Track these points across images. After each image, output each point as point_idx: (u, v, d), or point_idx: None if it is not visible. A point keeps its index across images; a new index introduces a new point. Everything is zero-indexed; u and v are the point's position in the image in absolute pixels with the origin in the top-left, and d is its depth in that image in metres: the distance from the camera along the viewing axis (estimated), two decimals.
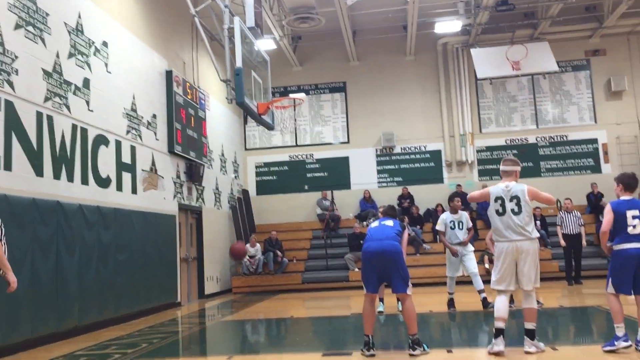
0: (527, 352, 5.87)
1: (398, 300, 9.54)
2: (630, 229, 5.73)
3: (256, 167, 19.57)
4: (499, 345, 5.87)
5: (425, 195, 18.34)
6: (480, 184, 18.18)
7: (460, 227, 9.61)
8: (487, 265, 15.53)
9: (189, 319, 11.11)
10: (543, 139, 18.38)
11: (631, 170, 18.27)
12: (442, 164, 18.83)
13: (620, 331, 5.67)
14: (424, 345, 6.18)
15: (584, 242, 13.71)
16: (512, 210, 5.99)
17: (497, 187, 6.18)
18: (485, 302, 9.42)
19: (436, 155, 18.89)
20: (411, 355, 6.05)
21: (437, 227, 9.81)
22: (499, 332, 5.89)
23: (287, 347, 7.77)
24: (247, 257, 16.48)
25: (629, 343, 5.62)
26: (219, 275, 16.16)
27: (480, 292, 9.50)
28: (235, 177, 18.55)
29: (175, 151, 13.30)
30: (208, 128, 15.74)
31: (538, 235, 6.11)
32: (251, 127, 19.56)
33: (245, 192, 18.94)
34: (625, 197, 5.96)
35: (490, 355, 5.88)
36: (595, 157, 18.03)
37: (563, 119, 18.39)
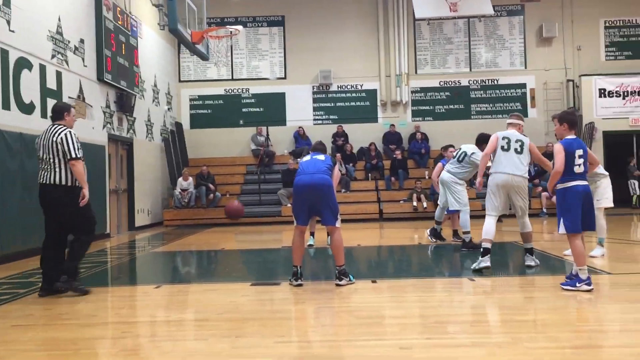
0: (528, 266, 7.07)
1: (328, 234, 9.79)
2: (576, 168, 5.79)
3: (190, 99, 19.16)
4: (486, 262, 6.75)
5: (359, 134, 18.57)
6: (412, 124, 18.57)
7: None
8: (415, 203, 16.08)
9: (118, 250, 11.05)
10: (475, 82, 18.81)
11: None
12: (377, 103, 19.02)
13: (583, 274, 5.69)
14: (350, 276, 6.43)
15: None
16: (516, 150, 6.83)
17: (504, 132, 7.04)
18: (437, 232, 9.92)
19: (372, 94, 19.03)
20: (337, 285, 6.29)
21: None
22: (486, 252, 6.77)
23: (216, 277, 7.90)
24: (179, 190, 16.37)
25: (591, 287, 5.61)
26: (150, 208, 16.01)
27: (468, 232, 9.32)
28: (169, 109, 18.13)
29: (105, 79, 12.83)
30: (140, 57, 15.19)
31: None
32: (185, 57, 19.01)
33: (178, 125, 18.58)
34: (570, 136, 5.93)
35: (475, 272, 6.75)
36: (522, 102, 18.66)
37: (495, 63, 18.82)
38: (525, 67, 18.73)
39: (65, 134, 6.02)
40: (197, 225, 15.77)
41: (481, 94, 18.77)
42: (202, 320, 5.12)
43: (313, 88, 19.10)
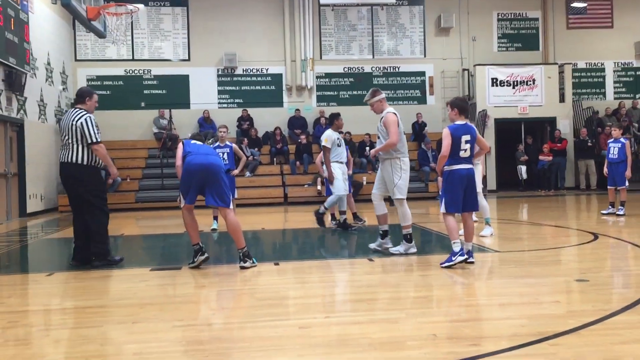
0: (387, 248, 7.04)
1: (214, 218, 9.76)
2: (461, 153, 6.05)
3: (88, 80, 18.32)
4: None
5: (265, 118, 18.53)
6: (317, 109, 18.75)
7: (341, 144, 9.45)
8: (319, 187, 16.31)
9: (8, 237, 10.43)
10: (378, 69, 19.26)
11: None
12: (282, 87, 19.04)
13: (456, 246, 5.99)
14: (254, 259, 6.45)
15: None
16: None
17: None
18: (346, 223, 9.52)
19: (277, 78, 19.01)
20: (242, 267, 6.29)
21: (325, 144, 9.24)
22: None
23: (115, 264, 7.66)
24: None
25: (465, 257, 5.95)
26: (43, 193, 15.21)
27: (343, 212, 9.53)
28: (64, 89, 17.23)
29: None
30: (31, 33, 14.32)
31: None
32: (82, 35, 18.12)
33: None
34: (460, 121, 6.16)
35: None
36: (422, 89, 19.35)
37: (397, 51, 19.35)
38: (425, 56, 19.40)
39: (85, 119, 6.49)
40: None
41: (383, 81, 19.25)
42: (97, 307, 4.96)
43: (218, 71, 18.81)
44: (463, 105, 6.29)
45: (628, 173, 10.61)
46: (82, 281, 6.19)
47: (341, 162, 9.38)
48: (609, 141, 11.09)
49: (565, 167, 18.26)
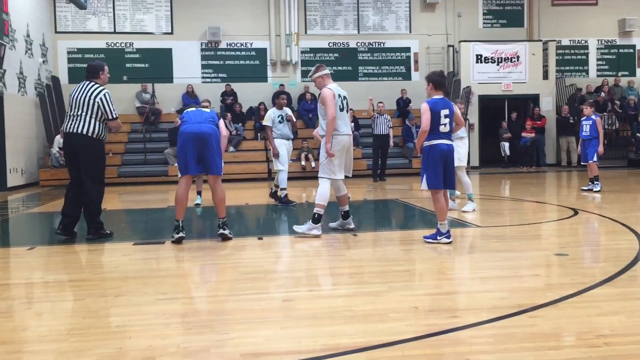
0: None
1: (198, 193, 9.75)
2: (441, 127, 5.97)
3: (68, 52, 18.00)
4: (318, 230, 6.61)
5: (249, 94, 18.37)
6: (302, 84, 18.64)
7: (288, 119, 9.76)
8: (303, 163, 16.30)
9: None
10: (363, 44, 19.15)
11: None
12: (267, 62, 18.87)
13: (443, 228, 5.98)
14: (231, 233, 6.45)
15: (391, 143, 14.88)
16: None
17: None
18: (286, 199, 9.78)
19: (262, 53, 18.83)
20: (222, 234, 6.34)
21: (265, 123, 9.74)
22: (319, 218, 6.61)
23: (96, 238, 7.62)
24: (57, 149, 15.46)
25: (450, 240, 5.94)
26: (24, 167, 15.03)
27: (284, 189, 9.81)
28: (44, 61, 16.92)
29: None
30: (10, 4, 14.01)
31: None
32: (62, 6, 17.77)
33: (55, 80, 17.42)
34: (437, 96, 6.08)
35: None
36: (407, 65, 19.28)
37: (382, 27, 19.23)
38: (410, 32, 19.30)
39: (105, 95, 6.55)
40: None
41: (368, 57, 19.15)
42: (79, 280, 4.95)
43: (201, 45, 18.58)
44: (439, 79, 6.17)
45: (600, 149, 10.74)
46: (64, 255, 6.16)
47: (287, 139, 9.66)
48: (581, 119, 11.20)
49: (545, 144, 18.40)
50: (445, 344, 3.22)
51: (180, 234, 6.29)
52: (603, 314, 3.66)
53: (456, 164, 8.18)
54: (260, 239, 6.83)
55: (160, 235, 7.35)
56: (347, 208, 6.89)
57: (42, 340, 3.38)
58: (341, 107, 6.66)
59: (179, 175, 6.50)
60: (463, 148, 8.36)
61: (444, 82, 6.27)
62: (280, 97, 10.21)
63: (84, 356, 3.11)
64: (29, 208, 10.93)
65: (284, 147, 9.56)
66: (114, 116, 6.63)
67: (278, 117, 9.66)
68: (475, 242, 6.46)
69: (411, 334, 3.34)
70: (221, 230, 6.38)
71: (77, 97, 6.59)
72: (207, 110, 6.64)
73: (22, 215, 9.95)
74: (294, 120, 10.23)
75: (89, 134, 6.52)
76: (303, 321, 3.66)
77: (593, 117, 10.87)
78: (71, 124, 6.57)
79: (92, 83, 6.65)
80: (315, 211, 6.54)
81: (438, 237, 6.00)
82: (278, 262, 5.75)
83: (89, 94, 6.53)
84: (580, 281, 4.50)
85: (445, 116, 5.98)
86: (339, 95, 6.66)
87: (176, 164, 16.11)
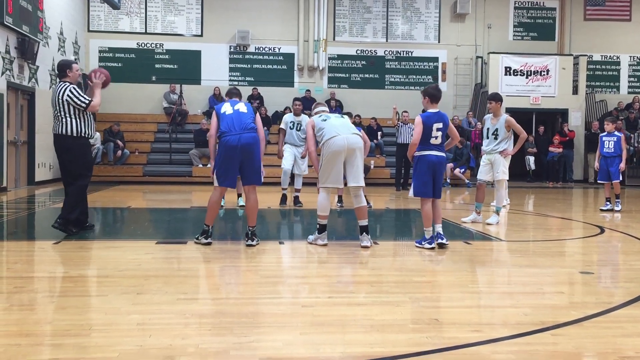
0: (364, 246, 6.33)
1: (239, 195, 9.80)
2: (432, 140, 6.26)
3: (100, 51, 18.28)
4: (323, 239, 6.45)
5: (275, 98, 18.47)
6: (328, 91, 18.67)
7: (299, 128, 9.97)
8: None
9: (16, 204, 10.50)
10: (390, 52, 19.12)
11: (464, 90, 19.78)
12: (294, 67, 18.94)
13: (428, 234, 6.29)
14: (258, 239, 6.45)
15: None
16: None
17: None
18: (296, 200, 10.33)
19: (289, 58, 18.92)
20: (249, 245, 6.30)
21: (281, 126, 10.15)
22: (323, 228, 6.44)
23: (121, 235, 7.72)
24: None
25: (432, 246, 6.25)
26: (52, 163, 15.27)
27: (297, 190, 10.43)
28: (76, 59, 17.20)
29: (5, 22, 11.98)
30: (45, 2, 14.28)
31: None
32: (95, 6, 18.07)
33: (86, 77, 17.67)
34: (432, 109, 6.36)
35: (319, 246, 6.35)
36: (434, 75, 19.20)
37: (411, 36, 19.18)
38: (439, 42, 19.23)
39: (70, 90, 6.65)
40: (103, 182, 15.23)
41: (396, 65, 19.11)
42: (102, 276, 5.00)
43: (230, 48, 18.74)
44: (434, 93, 6.41)
45: (622, 166, 10.50)
46: (88, 251, 6.24)
47: (294, 145, 9.98)
48: (601, 135, 10.84)
49: (573, 160, 18.15)
50: (466, 358, 3.19)
51: (209, 241, 6.31)
52: (627, 335, 3.58)
53: (500, 177, 8.19)
54: (281, 243, 6.84)
55: (183, 235, 7.41)
56: (364, 223, 6.37)
57: (65, 335, 3.42)
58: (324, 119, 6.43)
59: (216, 184, 6.33)
60: (505, 161, 8.30)
61: (439, 96, 6.48)
62: (294, 104, 10.35)
63: (105, 352, 3.14)
64: (55, 202, 11.09)
65: (289, 149, 9.98)
66: (87, 103, 6.68)
67: (290, 122, 10.02)
68: (498, 256, 6.39)
69: (431, 346, 3.31)
70: (249, 242, 6.28)
71: (52, 99, 6.78)
72: (244, 108, 6.37)
73: (48, 209, 10.10)
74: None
75: (69, 133, 6.66)
76: (322, 327, 3.65)
77: (617, 133, 10.63)
78: (54, 126, 6.77)
79: (61, 83, 6.77)
80: (318, 222, 6.48)
81: (422, 242, 6.32)
82: (299, 267, 5.75)
83: (58, 95, 6.67)
84: (605, 300, 4.42)
85: (438, 129, 6.26)
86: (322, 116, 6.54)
87: (201, 165, 16.30)
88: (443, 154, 6.39)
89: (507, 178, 8.45)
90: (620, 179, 10.56)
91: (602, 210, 10.54)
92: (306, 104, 18.31)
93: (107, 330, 3.50)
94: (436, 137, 6.26)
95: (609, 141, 10.59)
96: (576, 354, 3.27)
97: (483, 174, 8.44)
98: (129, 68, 18.31)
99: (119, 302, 4.11)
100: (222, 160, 6.21)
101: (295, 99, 10.40)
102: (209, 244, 6.30)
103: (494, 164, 8.27)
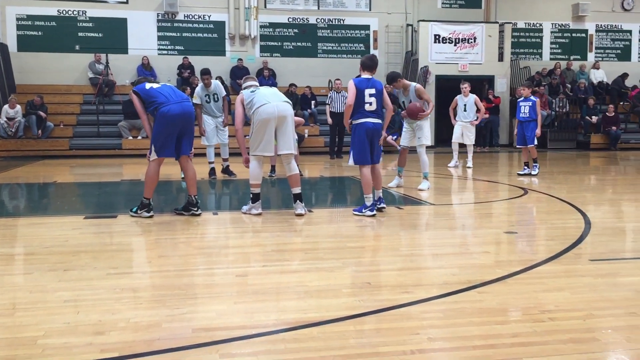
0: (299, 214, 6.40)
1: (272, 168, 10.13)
2: (367, 106, 6.31)
3: (17, 19, 17.27)
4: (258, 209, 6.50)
5: (206, 67, 17.98)
6: (260, 59, 18.42)
7: (216, 99, 9.97)
8: None
9: None
10: (322, 20, 19.00)
11: (396, 58, 19.84)
12: (225, 36, 18.53)
13: (368, 201, 6.35)
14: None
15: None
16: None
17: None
18: (226, 170, 10.39)
19: (220, 26, 18.49)
20: (193, 214, 6.32)
21: (195, 101, 9.71)
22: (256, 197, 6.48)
23: (46, 211, 7.45)
24: (5, 119, 14.95)
25: (374, 213, 6.32)
26: None
27: (225, 159, 10.52)
28: None
29: None
30: None
31: None
32: None
33: (3, 47, 16.72)
34: (365, 76, 6.41)
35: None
36: (365, 43, 19.25)
37: (342, 3, 19.09)
38: (370, 9, 19.24)
39: None
40: (26, 157, 14.58)
41: (327, 33, 19.02)
42: (28, 254, 4.82)
43: (158, 16, 18.10)
44: (366, 62, 6.50)
45: (538, 131, 10.62)
46: (12, 228, 5.99)
47: (213, 117, 10.02)
48: (518, 100, 11.02)
49: (499, 125, 18.75)
50: (397, 318, 3.28)
51: (151, 214, 6.27)
52: (548, 290, 3.78)
53: (423, 142, 8.34)
54: (215, 214, 6.78)
55: (113, 209, 7.22)
56: (297, 190, 6.42)
57: None
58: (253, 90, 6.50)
59: (153, 157, 6.19)
60: (426, 127, 8.44)
61: (371, 64, 6.51)
62: (203, 78, 9.97)
63: (31, 331, 3.04)
64: None
65: (210, 121, 9.95)
66: None
67: (205, 96, 9.88)
68: (428, 220, 6.56)
69: (363, 309, 3.39)
70: (194, 210, 6.39)
71: None
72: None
73: None
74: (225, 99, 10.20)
75: None
76: (256, 296, 3.66)
77: (532, 98, 10.74)
78: None
79: None
80: (250, 191, 6.50)
81: (363, 210, 6.36)
82: (232, 238, 5.72)
83: None
84: (528, 258, 4.64)
85: (371, 95, 6.32)
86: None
87: (131, 137, 15.84)
88: (379, 121, 6.45)
89: (429, 144, 8.61)
90: (536, 143, 10.61)
91: (519, 174, 10.57)
92: (238, 73, 18.08)
93: (33, 309, 3.39)
94: (370, 104, 6.30)
95: (524, 106, 10.72)
96: (501, 310, 3.43)
97: (405, 140, 8.64)
98: (50, 37, 17.41)
99: (45, 280, 3.98)
100: (161, 130, 6.10)
101: (203, 73, 10.01)
102: (150, 217, 6.20)
103: (416, 130, 8.44)
